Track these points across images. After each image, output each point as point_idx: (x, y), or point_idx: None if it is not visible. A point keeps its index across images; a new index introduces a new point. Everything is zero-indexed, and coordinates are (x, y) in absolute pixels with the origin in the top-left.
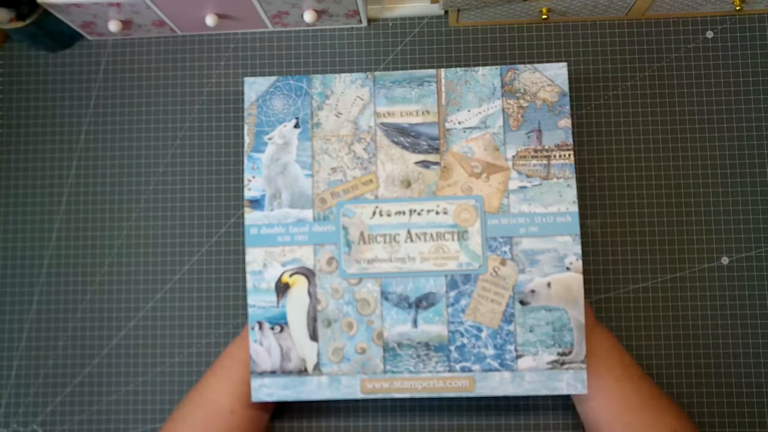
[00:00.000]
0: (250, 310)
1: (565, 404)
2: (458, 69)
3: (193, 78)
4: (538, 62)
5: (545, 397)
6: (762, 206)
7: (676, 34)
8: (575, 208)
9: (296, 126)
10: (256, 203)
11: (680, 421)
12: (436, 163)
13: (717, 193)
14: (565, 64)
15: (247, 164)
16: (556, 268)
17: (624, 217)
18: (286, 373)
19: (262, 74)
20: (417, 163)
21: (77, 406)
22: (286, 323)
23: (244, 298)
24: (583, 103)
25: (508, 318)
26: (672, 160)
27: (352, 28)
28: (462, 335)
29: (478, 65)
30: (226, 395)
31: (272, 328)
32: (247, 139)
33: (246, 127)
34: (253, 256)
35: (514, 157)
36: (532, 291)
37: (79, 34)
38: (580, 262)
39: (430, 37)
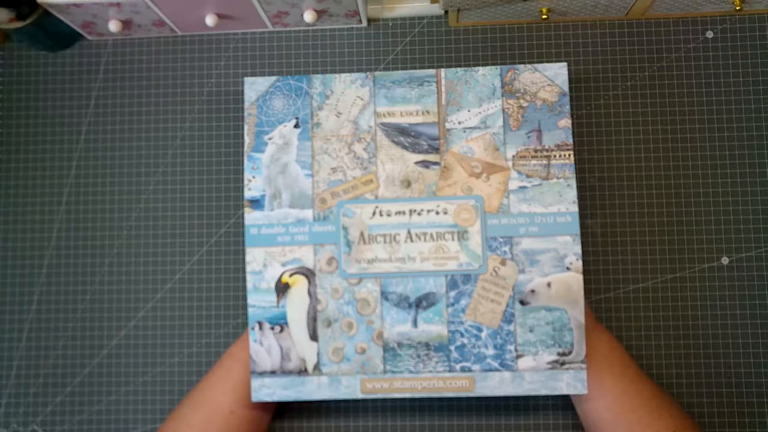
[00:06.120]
0: (250, 310)
1: (565, 404)
2: (458, 69)
3: (193, 78)
4: (538, 62)
5: (545, 397)
6: (762, 206)
7: (676, 34)
8: (575, 208)
9: (296, 126)
10: (256, 203)
11: (681, 422)
12: (436, 163)
13: (717, 193)
14: (565, 64)
15: (247, 164)
16: (556, 268)
17: (624, 217)
18: (286, 373)
19: (262, 74)
20: (417, 163)
21: (77, 406)
22: (286, 323)
23: (244, 298)
24: (583, 103)
25: (508, 318)
26: (672, 160)
27: (352, 28)
28: (462, 335)
29: (478, 65)
30: (225, 395)
31: (272, 328)
32: (247, 139)
33: (246, 127)
34: (253, 256)
35: (514, 157)
36: (532, 291)
37: (79, 34)
38: (580, 262)
39: (430, 37)
